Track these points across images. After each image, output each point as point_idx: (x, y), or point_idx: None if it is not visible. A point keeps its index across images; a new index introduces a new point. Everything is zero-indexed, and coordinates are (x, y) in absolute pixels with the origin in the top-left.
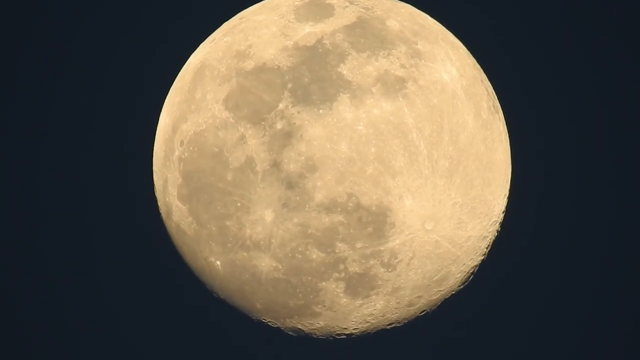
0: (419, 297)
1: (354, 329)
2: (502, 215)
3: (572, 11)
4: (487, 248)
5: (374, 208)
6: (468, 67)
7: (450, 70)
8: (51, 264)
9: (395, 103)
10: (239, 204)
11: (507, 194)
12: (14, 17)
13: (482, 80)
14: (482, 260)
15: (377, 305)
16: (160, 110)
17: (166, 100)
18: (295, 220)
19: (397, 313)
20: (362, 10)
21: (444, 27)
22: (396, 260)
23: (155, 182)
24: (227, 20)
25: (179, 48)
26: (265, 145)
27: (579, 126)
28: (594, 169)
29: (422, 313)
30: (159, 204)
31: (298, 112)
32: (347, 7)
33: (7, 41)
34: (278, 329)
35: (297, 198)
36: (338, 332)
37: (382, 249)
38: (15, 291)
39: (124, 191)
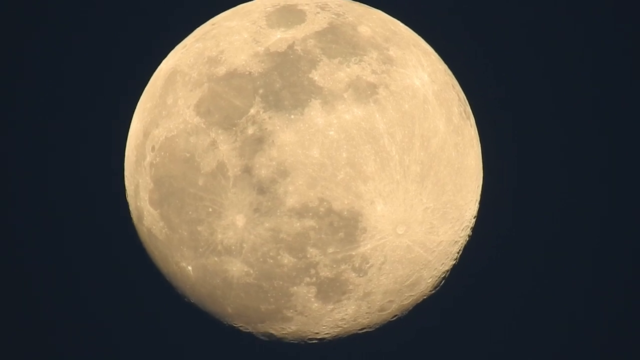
0: (391, 301)
1: (325, 334)
2: (473, 221)
3: (543, 17)
4: (458, 253)
5: (345, 213)
6: (439, 73)
7: (421, 75)
8: (21, 268)
9: (367, 108)
10: (210, 209)
11: (479, 199)
12: None
13: (453, 86)
14: (454, 265)
15: (349, 310)
16: (132, 116)
17: (137, 106)
18: (267, 225)
19: (368, 318)
20: (333, 16)
21: (415, 33)
22: (367, 265)
23: (126, 187)
24: (198, 26)
25: (151, 54)
26: (237, 151)
27: (550, 132)
28: (566, 175)
29: (394, 318)
30: (130, 209)
31: (269, 118)
32: (318, 13)
33: None
34: (250, 333)
35: (269, 203)
36: (310, 337)
37: (354, 253)
38: None
39: (95, 196)
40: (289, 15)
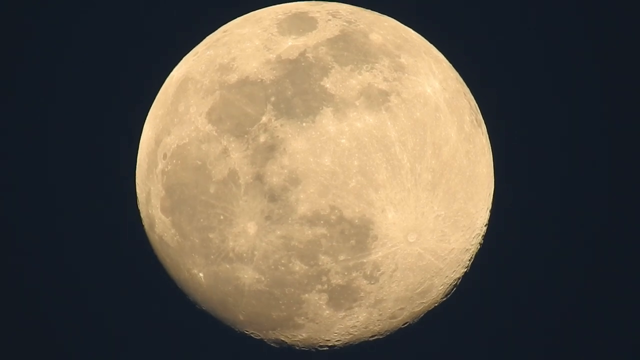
0: (402, 309)
1: (336, 341)
2: (484, 228)
3: (553, 27)
4: (469, 260)
5: (356, 221)
6: (451, 81)
7: (433, 83)
8: (34, 275)
9: (378, 116)
10: (221, 217)
11: (490, 207)
12: None
13: (465, 94)
14: (465, 273)
15: (360, 317)
16: (143, 123)
17: (149, 114)
18: (278, 232)
19: (379, 325)
20: (345, 23)
21: (427, 41)
22: (379, 273)
23: (138, 195)
24: (210, 33)
25: (162, 61)
26: (248, 159)
27: (561, 140)
28: (576, 183)
29: (405, 325)
30: (141, 216)
31: (281, 125)
32: (330, 20)
33: None
34: (261, 340)
35: (280, 211)
36: (321, 344)
37: (365, 261)
38: None
39: (106, 203)
40: (301, 23)
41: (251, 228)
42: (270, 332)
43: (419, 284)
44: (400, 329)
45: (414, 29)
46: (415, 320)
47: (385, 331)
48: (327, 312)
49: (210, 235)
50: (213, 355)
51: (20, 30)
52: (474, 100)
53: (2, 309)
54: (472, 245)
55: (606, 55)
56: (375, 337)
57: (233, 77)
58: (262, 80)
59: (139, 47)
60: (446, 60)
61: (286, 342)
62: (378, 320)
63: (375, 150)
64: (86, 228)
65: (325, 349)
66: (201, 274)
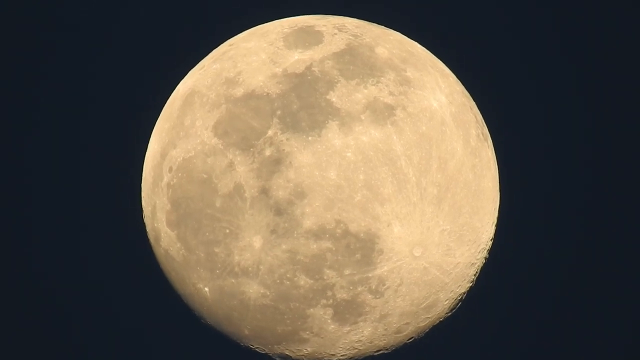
0: (407, 323)
1: (341, 356)
2: (490, 243)
3: (561, 40)
4: (475, 275)
5: (362, 235)
6: (457, 95)
7: (439, 97)
8: (39, 288)
9: (384, 130)
10: (227, 231)
11: (495, 222)
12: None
13: (471, 108)
14: (470, 287)
15: (365, 331)
16: (149, 137)
17: (155, 127)
18: (284, 246)
19: (384, 340)
20: (351, 37)
21: (433, 55)
22: (384, 287)
23: (143, 208)
24: (216, 47)
25: (169, 75)
26: (254, 172)
27: (567, 155)
28: (582, 198)
29: (410, 340)
30: (147, 230)
31: (287, 139)
32: (336, 34)
33: None
34: (266, 355)
35: (286, 225)
36: (326, 359)
37: (370, 275)
38: None
39: (112, 216)
40: (306, 36)
41: (257, 242)
42: (275, 346)
43: (424, 298)
44: (406, 343)
45: (420, 43)
46: (421, 335)
47: (391, 346)
48: (332, 326)
49: (216, 249)
50: None
51: (25, 43)
52: (480, 115)
53: (13, 328)
54: (477, 259)
55: (616, 74)
56: (380, 352)
57: (239, 91)
58: (268, 94)
59: (145, 60)
60: (452, 74)
61: (291, 357)
62: (383, 335)
63: (381, 164)
64: (91, 241)
65: None
66: (206, 288)
